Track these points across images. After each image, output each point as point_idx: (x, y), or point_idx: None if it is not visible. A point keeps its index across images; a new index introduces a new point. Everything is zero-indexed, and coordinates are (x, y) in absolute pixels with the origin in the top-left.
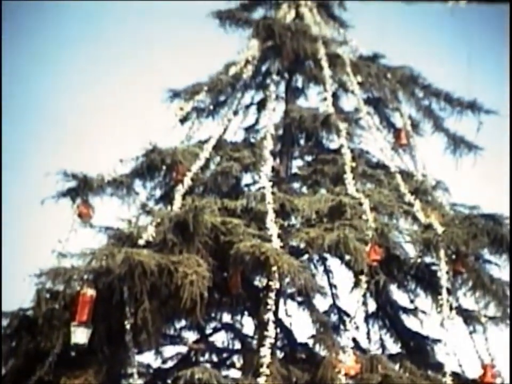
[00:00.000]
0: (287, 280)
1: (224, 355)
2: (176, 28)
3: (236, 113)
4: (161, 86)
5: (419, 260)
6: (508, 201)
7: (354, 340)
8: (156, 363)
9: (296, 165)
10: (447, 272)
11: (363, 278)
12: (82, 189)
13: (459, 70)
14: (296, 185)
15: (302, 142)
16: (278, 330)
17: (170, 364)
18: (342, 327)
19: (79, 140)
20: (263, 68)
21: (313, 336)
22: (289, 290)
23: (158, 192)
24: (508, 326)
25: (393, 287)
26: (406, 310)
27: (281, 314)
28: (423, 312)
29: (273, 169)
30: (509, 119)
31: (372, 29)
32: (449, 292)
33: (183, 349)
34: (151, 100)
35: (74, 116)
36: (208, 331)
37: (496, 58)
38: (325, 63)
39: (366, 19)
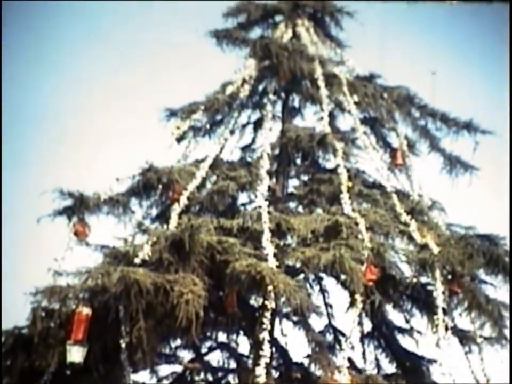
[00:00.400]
0: (283, 299)
1: (220, 374)
2: (174, 45)
3: (232, 132)
4: (158, 104)
5: (415, 280)
6: (508, 222)
7: (349, 359)
8: (151, 382)
9: (293, 184)
10: (443, 292)
11: (359, 298)
12: (78, 207)
13: (459, 70)
14: (292, 204)
15: (298, 161)
16: (274, 349)
17: (165, 383)
18: (337, 346)
19: (75, 158)
20: (260, 87)
21: (308, 356)
22: (284, 310)
23: (154, 211)
24: (504, 347)
25: (388, 307)
26: (401, 330)
27: (276, 333)
28: (419, 332)
29: (269, 188)
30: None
31: (372, 28)
32: (444, 312)
33: (178, 368)
34: (148, 118)
35: (71, 134)
36: (204, 350)
37: (496, 58)
38: (321, 83)
39: (366, 19)
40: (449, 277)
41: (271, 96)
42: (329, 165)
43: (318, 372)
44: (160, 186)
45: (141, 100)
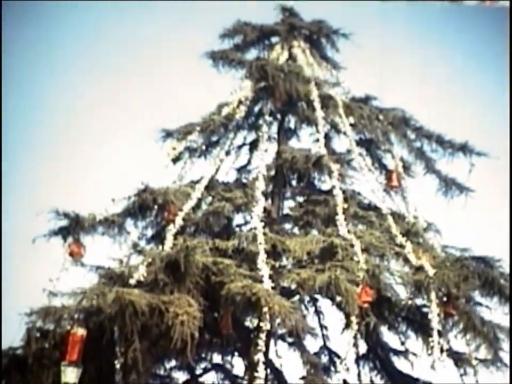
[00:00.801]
0: (278, 321)
1: None
2: (170, 66)
3: (228, 153)
4: (154, 125)
5: (410, 302)
6: (508, 245)
7: (344, 381)
8: None
9: (288, 205)
10: (438, 314)
11: (354, 320)
12: (74, 228)
13: (458, 69)
14: (287, 226)
15: (294, 182)
16: (268, 371)
17: None
18: (332, 368)
19: (70, 179)
20: (256, 109)
21: (303, 378)
22: (280, 331)
23: (149, 232)
24: (499, 369)
25: (384, 329)
26: (396, 352)
27: (271, 355)
28: (414, 354)
29: (265, 209)
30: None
31: (372, 28)
32: (440, 334)
33: None
34: (143, 139)
35: (66, 154)
36: (199, 371)
37: (496, 58)
38: (317, 105)
39: (367, 19)
40: (445, 299)
41: (267, 118)
42: (325, 187)
43: None
44: (156, 207)
45: (137, 121)
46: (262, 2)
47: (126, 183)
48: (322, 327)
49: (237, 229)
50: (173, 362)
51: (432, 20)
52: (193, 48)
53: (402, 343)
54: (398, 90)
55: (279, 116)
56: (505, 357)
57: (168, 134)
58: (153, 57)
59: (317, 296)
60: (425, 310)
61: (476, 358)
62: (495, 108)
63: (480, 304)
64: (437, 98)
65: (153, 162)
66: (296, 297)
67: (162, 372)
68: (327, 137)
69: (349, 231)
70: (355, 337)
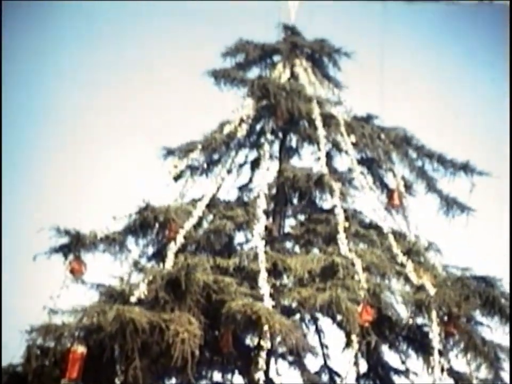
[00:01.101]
0: (279, 339)
1: None
2: (172, 83)
3: (229, 171)
4: (155, 143)
5: (411, 321)
6: (508, 264)
7: None
8: None
9: (289, 224)
10: (439, 334)
11: (354, 338)
12: (74, 245)
13: (458, 69)
14: (288, 244)
15: (295, 201)
16: None
17: None
18: None
19: (71, 196)
20: (258, 127)
21: None
22: (280, 350)
23: (150, 250)
24: None
25: (384, 348)
26: (397, 371)
27: (272, 373)
28: (415, 373)
29: (266, 228)
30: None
31: (372, 28)
32: (440, 353)
33: None
34: (145, 157)
35: (68, 171)
36: None
37: (496, 58)
38: (319, 123)
39: (367, 19)
40: (446, 318)
41: (269, 136)
42: (326, 205)
43: None
44: (157, 225)
45: (138, 138)
46: (264, 21)
47: (128, 201)
48: (323, 345)
49: (238, 247)
50: (173, 380)
51: (433, 27)
52: (195, 66)
53: (403, 362)
54: (399, 107)
55: (280, 134)
56: (506, 376)
57: (170, 152)
58: (154, 75)
59: (318, 314)
60: (426, 329)
61: (477, 378)
62: (496, 124)
63: (481, 323)
64: (438, 115)
65: (154, 180)
66: (297, 316)
67: None
68: (329, 156)
69: (350, 250)
70: (356, 356)
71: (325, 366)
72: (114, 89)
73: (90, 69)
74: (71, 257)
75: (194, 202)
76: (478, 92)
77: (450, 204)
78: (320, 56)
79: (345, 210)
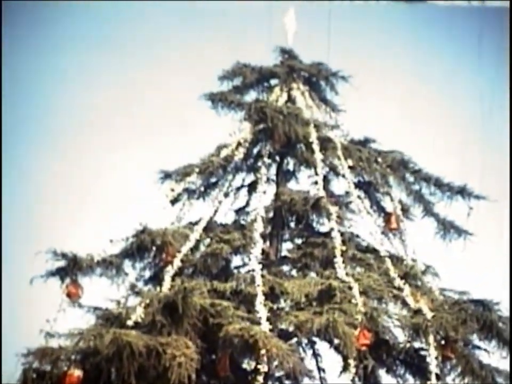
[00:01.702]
0: (276, 363)
1: None
2: (169, 107)
3: (226, 195)
4: (152, 166)
5: (408, 345)
6: (508, 288)
7: None
8: None
9: (286, 247)
10: (436, 357)
11: (352, 362)
12: (71, 269)
13: (458, 69)
14: (286, 268)
15: (292, 224)
16: None
17: None
18: None
19: (69, 219)
20: (255, 150)
21: None
22: (277, 374)
23: (147, 273)
24: None
25: (382, 372)
26: None
27: None
28: None
29: (263, 251)
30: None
31: (372, 28)
32: (438, 377)
33: None
34: (142, 180)
35: (65, 195)
36: None
37: (496, 58)
38: (316, 147)
39: (366, 19)
40: (443, 342)
41: (266, 159)
42: (323, 229)
43: None
44: (154, 248)
45: (135, 162)
46: (261, 45)
47: (124, 224)
48: (320, 369)
49: (235, 271)
50: None
51: (433, 27)
52: (192, 90)
53: None
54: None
55: (277, 158)
56: None
57: (167, 176)
58: (151, 98)
59: (315, 338)
60: (423, 353)
61: None
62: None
63: (478, 347)
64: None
65: (151, 204)
66: (294, 340)
67: None
68: (326, 179)
69: (347, 274)
70: (353, 380)
71: None
72: (114, 109)
73: (90, 69)
74: (67, 280)
75: (191, 225)
76: (478, 95)
77: (447, 227)
78: (317, 79)
79: (342, 234)
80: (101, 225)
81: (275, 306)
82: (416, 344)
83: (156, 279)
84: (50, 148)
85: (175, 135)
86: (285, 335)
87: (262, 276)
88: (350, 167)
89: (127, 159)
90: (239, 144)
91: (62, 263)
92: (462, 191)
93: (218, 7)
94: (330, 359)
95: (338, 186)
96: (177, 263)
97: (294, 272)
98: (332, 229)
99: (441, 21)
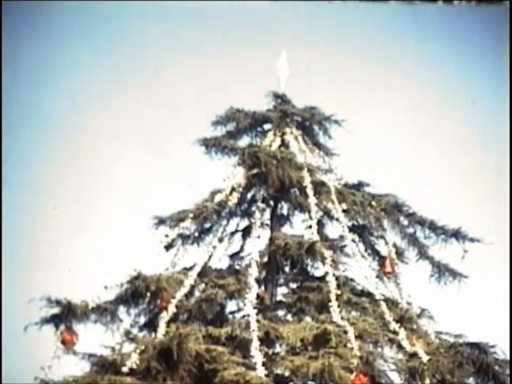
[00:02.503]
0: None
1: None
2: (162, 152)
3: (221, 240)
4: (146, 212)
5: None
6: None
7: None
8: None
9: (281, 292)
10: None
11: None
12: (66, 315)
13: (458, 69)
14: (281, 312)
15: (287, 269)
16: None
17: None
18: None
19: (63, 266)
20: (249, 195)
21: None
22: None
23: (142, 319)
24: None
25: None
26: None
27: None
28: None
29: (258, 296)
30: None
31: (372, 28)
32: None
33: None
34: (136, 226)
35: (58, 240)
36: None
37: (496, 58)
38: (310, 191)
39: (365, 19)
40: None
41: (260, 204)
42: (318, 273)
43: None
44: (149, 294)
45: (129, 208)
46: (254, 89)
47: (119, 270)
48: None
49: (230, 316)
50: None
51: (433, 27)
52: (186, 135)
53: None
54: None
55: (271, 202)
56: None
57: (161, 221)
58: (145, 144)
59: (311, 383)
60: None
61: None
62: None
63: None
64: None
65: (146, 249)
66: None
67: None
68: (320, 223)
69: (342, 318)
70: None
71: None
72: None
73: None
74: (62, 327)
75: (185, 271)
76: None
77: (442, 270)
78: (311, 124)
79: (337, 278)
80: (95, 271)
81: (270, 351)
82: None
83: (151, 325)
84: (48, 180)
85: (169, 179)
86: (280, 380)
87: (257, 321)
88: (344, 211)
89: (121, 205)
90: (233, 189)
91: (56, 310)
92: (456, 234)
93: None
94: None
95: (333, 230)
96: (172, 308)
97: (289, 317)
98: (326, 273)
99: (441, 21)
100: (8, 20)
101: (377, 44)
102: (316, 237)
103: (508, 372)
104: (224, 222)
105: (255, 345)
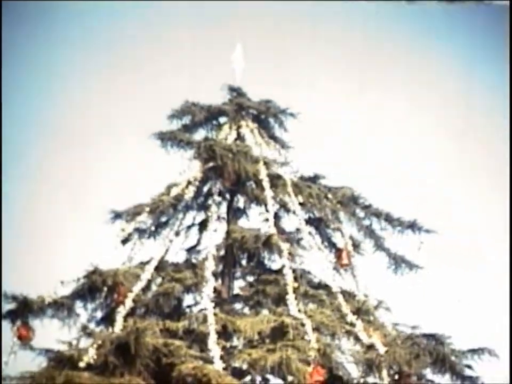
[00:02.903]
0: None
1: None
2: (119, 147)
3: (177, 234)
4: (102, 207)
5: (362, 380)
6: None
7: None
8: None
9: (238, 285)
10: None
11: None
12: (22, 311)
13: (458, 69)
14: (238, 306)
15: (244, 262)
16: None
17: None
18: None
19: (18, 261)
20: (205, 189)
21: None
22: None
23: (99, 314)
24: None
25: None
26: None
27: None
28: None
29: (215, 290)
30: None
31: (372, 28)
32: None
33: None
34: (92, 220)
35: (16, 237)
36: None
37: (496, 58)
38: (266, 184)
39: (364, 19)
40: (396, 376)
41: (216, 197)
42: (275, 266)
43: None
44: (105, 288)
45: (85, 202)
46: (210, 84)
47: (75, 265)
48: None
49: (188, 310)
50: None
51: (433, 27)
52: (141, 129)
53: None
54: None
55: (228, 196)
56: None
57: (117, 215)
58: (102, 138)
59: (269, 376)
60: None
61: None
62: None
63: (432, 381)
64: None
65: (102, 244)
66: (248, 378)
67: None
68: (277, 216)
69: (299, 310)
70: None
71: None
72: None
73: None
74: (18, 323)
75: (142, 265)
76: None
77: (398, 262)
78: (266, 117)
79: (294, 271)
80: (51, 266)
81: (228, 345)
82: (370, 380)
83: (108, 319)
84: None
85: (126, 173)
86: (238, 373)
87: (215, 314)
88: (300, 204)
89: (78, 199)
90: (189, 182)
91: (12, 305)
92: (412, 226)
93: None
94: None
95: (289, 223)
96: (129, 303)
97: (246, 310)
98: (283, 266)
99: (441, 21)
100: (8, 20)
101: (373, 41)
102: (272, 230)
103: (464, 362)
104: (181, 216)
105: (212, 338)
